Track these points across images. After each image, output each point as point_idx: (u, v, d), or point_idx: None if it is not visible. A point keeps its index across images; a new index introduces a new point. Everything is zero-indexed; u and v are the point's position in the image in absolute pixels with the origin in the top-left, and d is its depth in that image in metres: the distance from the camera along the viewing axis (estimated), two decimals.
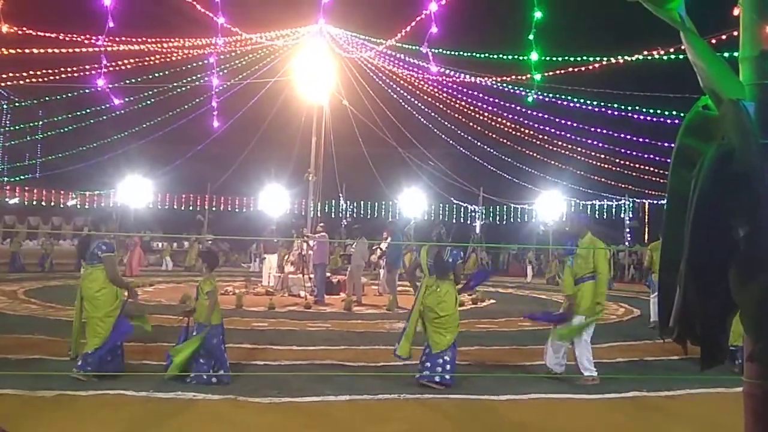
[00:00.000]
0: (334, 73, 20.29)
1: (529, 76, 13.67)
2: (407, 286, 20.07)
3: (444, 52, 17.94)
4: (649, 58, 12.65)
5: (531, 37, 10.48)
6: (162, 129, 24.88)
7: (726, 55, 2.60)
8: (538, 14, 10.01)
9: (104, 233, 7.70)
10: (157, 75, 21.02)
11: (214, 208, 37.88)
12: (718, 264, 1.98)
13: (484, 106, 22.25)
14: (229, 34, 18.63)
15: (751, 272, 1.97)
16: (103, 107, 22.25)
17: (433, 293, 7.42)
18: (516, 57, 14.64)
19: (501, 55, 16.50)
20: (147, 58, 19.67)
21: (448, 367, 7.19)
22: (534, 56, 11.41)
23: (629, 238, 36.88)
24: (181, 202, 38.57)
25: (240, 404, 6.17)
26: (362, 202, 41.78)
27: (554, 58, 14.63)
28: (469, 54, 18.12)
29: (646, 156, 22.96)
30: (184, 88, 21.62)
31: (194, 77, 21.58)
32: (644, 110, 16.81)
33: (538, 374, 7.79)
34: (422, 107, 24.28)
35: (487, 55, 17.41)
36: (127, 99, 21.86)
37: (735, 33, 2.18)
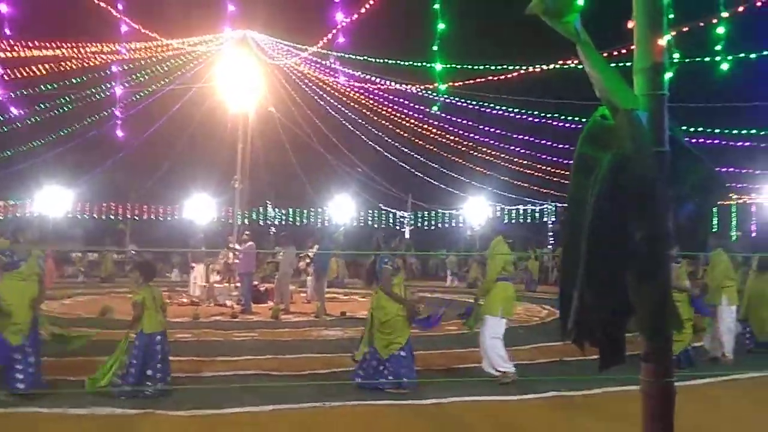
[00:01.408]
0: (259, 80, 20.07)
1: (435, 85, 13.95)
2: (337, 293, 20.19)
3: (358, 58, 18.08)
4: (565, 67, 13.08)
5: (435, 48, 10.75)
6: (80, 137, 23.96)
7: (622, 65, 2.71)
8: (441, 26, 10.33)
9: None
10: (74, 81, 20.26)
11: (137, 217, 36.82)
12: (615, 267, 2.06)
13: (410, 113, 22.48)
14: (148, 40, 18.17)
15: (647, 275, 2.06)
16: (7, 116, 21.20)
17: (374, 298, 7.56)
18: (423, 65, 14.91)
19: (406, 62, 16.72)
20: (61, 64, 18.94)
21: (402, 371, 7.25)
22: (438, 66, 11.71)
23: (552, 242, 37.92)
24: (102, 211, 37.27)
25: (159, 418, 6.00)
26: (291, 210, 41.44)
27: (472, 67, 15.00)
28: (382, 61, 18.31)
29: (566, 162, 23.71)
30: (99, 96, 20.88)
31: (111, 84, 20.89)
32: (563, 117, 17.35)
33: (469, 378, 7.92)
34: (350, 114, 24.32)
35: (395, 62, 17.63)
36: (42, 106, 20.98)
37: (633, 47, 2.28)
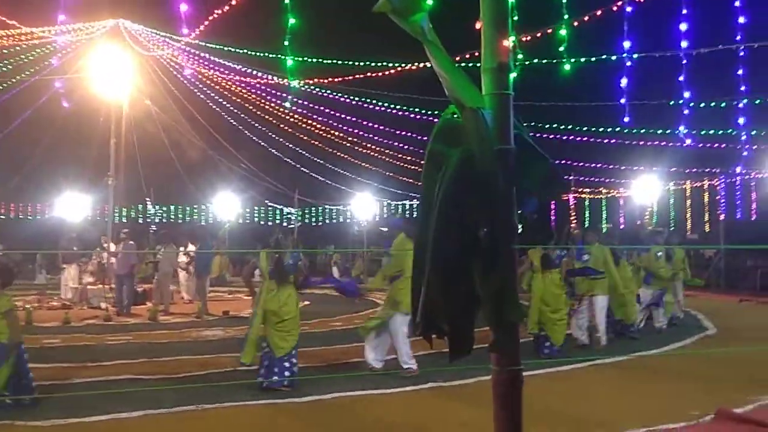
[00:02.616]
0: (133, 72, 19.20)
1: (287, 81, 14.01)
2: (219, 291, 19.72)
3: (232, 51, 17.79)
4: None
5: (286, 42, 10.80)
6: None
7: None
8: (292, 20, 10.41)
9: None
10: None
11: (2, 216, 34.38)
12: (461, 260, 2.12)
13: (294, 108, 22.27)
14: (7, 27, 16.92)
15: (491, 267, 2.13)
16: None
17: (275, 297, 7.43)
18: (276, 56, 14.92)
19: (259, 53, 16.64)
20: None
21: (295, 369, 7.32)
22: (289, 62, 11.78)
23: None
24: None
25: (17, 429, 5.62)
26: (173, 207, 40.05)
27: (353, 63, 15.11)
28: (240, 51, 18.12)
29: None
30: None
31: None
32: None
33: (359, 372, 7.97)
34: (231, 108, 23.77)
35: (250, 52, 17.51)
36: None
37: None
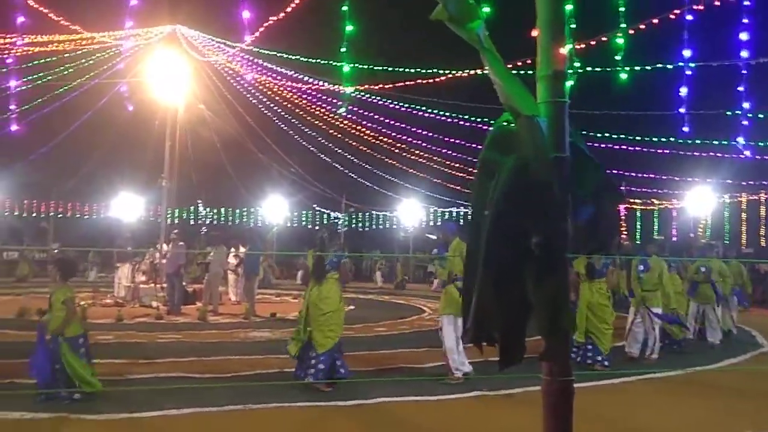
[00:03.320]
0: (189, 76, 19.66)
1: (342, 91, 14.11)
2: (266, 294, 19.97)
3: (287, 57, 18.00)
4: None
5: (343, 49, 10.88)
6: None
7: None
8: (349, 27, 10.47)
9: None
10: None
11: (60, 215, 35.51)
12: (513, 268, 2.11)
13: (345, 114, 22.44)
14: (70, 32, 17.52)
15: (543, 275, 2.12)
16: None
17: (316, 291, 7.61)
18: (331, 64, 15.02)
19: (324, 61, 16.80)
20: None
21: (344, 370, 7.42)
22: (346, 68, 11.84)
23: None
24: (24, 209, 35.72)
25: (72, 422, 5.80)
26: (223, 209, 40.77)
27: (403, 70, 15.17)
28: (295, 58, 18.32)
29: None
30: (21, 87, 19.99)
31: (32, 76, 20.06)
32: (493, 122, 17.64)
33: (404, 377, 7.97)
34: (283, 113, 24.10)
35: (309, 60, 17.69)
36: None
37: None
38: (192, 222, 38.08)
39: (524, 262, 2.10)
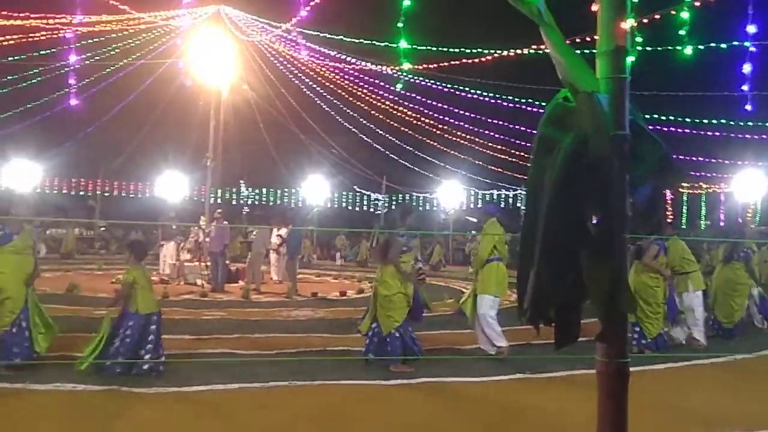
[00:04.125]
0: (233, 57, 19.81)
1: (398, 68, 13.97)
2: (307, 273, 20.17)
3: (327, 36, 17.94)
4: (540, 51, 13.10)
5: (400, 24, 10.77)
6: (48, 109, 23.41)
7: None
8: (407, 2, 10.33)
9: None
10: (41, 53, 19.82)
11: (107, 194, 36.32)
12: (571, 248, 2.08)
13: (385, 94, 22.39)
14: (119, 12, 17.80)
15: (602, 256, 2.08)
16: None
17: (380, 273, 7.71)
18: (388, 45, 14.89)
19: (374, 42, 16.67)
20: (30, 35, 18.52)
21: (416, 347, 7.51)
22: (403, 44, 11.70)
23: None
24: (72, 187, 36.62)
25: (123, 395, 5.96)
26: (264, 189, 41.19)
27: (447, 49, 15.00)
28: (346, 39, 18.22)
29: None
30: (68, 69, 20.38)
31: (84, 56, 20.46)
32: (537, 102, 17.41)
33: (447, 356, 7.98)
34: (324, 94, 24.15)
35: (361, 41, 17.57)
36: (9, 77, 20.47)
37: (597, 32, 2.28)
38: (234, 202, 38.56)
39: (582, 242, 2.07)
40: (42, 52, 19.81)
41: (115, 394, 5.98)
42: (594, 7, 2.25)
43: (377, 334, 7.51)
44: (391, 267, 7.62)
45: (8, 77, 20.36)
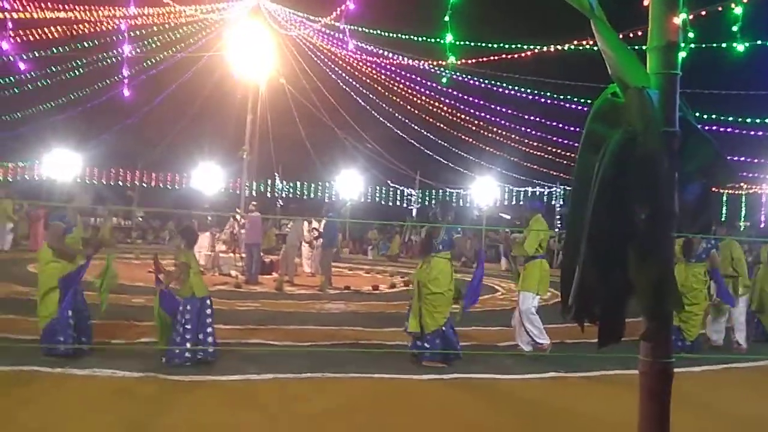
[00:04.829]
0: (271, 51, 19.95)
1: (450, 60, 13.85)
2: (339, 267, 20.27)
3: (367, 31, 17.95)
4: (580, 48, 12.95)
5: (446, 18, 10.69)
6: (90, 100, 23.88)
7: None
8: None
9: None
10: (85, 45, 20.20)
11: (144, 184, 36.88)
12: (618, 245, 2.05)
13: (421, 89, 22.34)
14: (161, 5, 18.07)
15: (649, 254, 2.05)
16: (18, 77, 21.07)
17: (425, 270, 7.54)
18: (433, 40, 14.83)
19: (417, 37, 16.61)
20: (74, 27, 18.87)
21: (453, 340, 7.39)
22: (449, 38, 11.60)
23: (560, 225, 37.80)
24: (110, 177, 37.24)
25: (159, 381, 6.07)
26: (299, 183, 41.41)
27: (486, 45, 14.90)
28: (391, 35, 18.18)
29: (576, 144, 23.44)
30: (110, 60, 20.76)
31: (121, 49, 20.78)
32: (575, 99, 17.21)
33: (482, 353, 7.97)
34: (360, 88, 24.18)
35: (403, 36, 17.52)
36: (52, 69, 20.91)
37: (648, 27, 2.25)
38: (269, 195, 38.85)
39: (629, 240, 2.04)
40: (87, 44, 20.17)
41: (152, 381, 6.08)
42: (646, 2, 2.21)
43: (438, 333, 7.35)
44: (441, 263, 7.49)
45: (53, 68, 20.79)
